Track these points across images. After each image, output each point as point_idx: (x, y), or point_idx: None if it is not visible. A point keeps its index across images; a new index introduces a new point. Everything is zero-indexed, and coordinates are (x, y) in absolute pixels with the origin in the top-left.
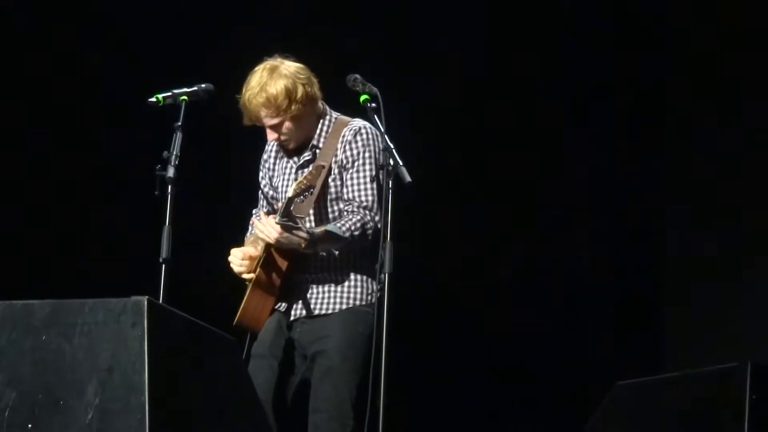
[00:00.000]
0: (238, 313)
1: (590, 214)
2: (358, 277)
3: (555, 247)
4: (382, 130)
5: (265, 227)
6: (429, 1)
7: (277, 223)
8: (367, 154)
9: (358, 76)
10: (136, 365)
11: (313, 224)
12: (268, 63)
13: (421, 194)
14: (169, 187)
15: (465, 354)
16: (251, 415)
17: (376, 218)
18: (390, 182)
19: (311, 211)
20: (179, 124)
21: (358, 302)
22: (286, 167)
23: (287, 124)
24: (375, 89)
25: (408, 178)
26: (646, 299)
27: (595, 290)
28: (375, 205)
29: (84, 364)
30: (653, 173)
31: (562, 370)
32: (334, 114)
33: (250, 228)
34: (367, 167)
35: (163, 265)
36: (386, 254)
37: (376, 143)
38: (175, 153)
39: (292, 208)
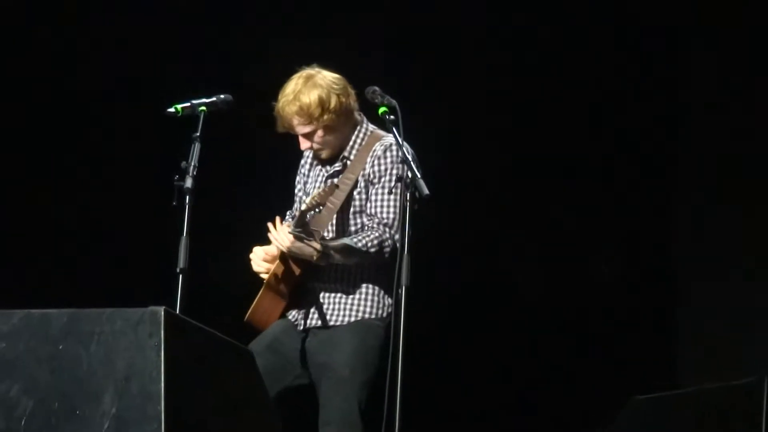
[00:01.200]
0: (250, 310)
1: (605, 222)
2: (372, 290)
3: (569, 255)
4: (400, 142)
5: (278, 235)
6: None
7: (289, 233)
8: (394, 171)
9: (376, 88)
10: (153, 375)
11: (333, 235)
12: (305, 72)
13: (438, 205)
14: (187, 197)
15: (480, 364)
16: (267, 426)
17: (396, 236)
18: (408, 194)
19: (333, 221)
20: (198, 134)
21: (369, 315)
22: (318, 175)
23: (319, 134)
24: (394, 101)
25: (426, 191)
26: (659, 305)
27: (610, 297)
28: (396, 223)
29: (101, 373)
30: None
31: (578, 379)
32: (370, 127)
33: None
34: (392, 184)
35: (180, 276)
36: (403, 267)
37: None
38: (193, 163)
39: (308, 219)
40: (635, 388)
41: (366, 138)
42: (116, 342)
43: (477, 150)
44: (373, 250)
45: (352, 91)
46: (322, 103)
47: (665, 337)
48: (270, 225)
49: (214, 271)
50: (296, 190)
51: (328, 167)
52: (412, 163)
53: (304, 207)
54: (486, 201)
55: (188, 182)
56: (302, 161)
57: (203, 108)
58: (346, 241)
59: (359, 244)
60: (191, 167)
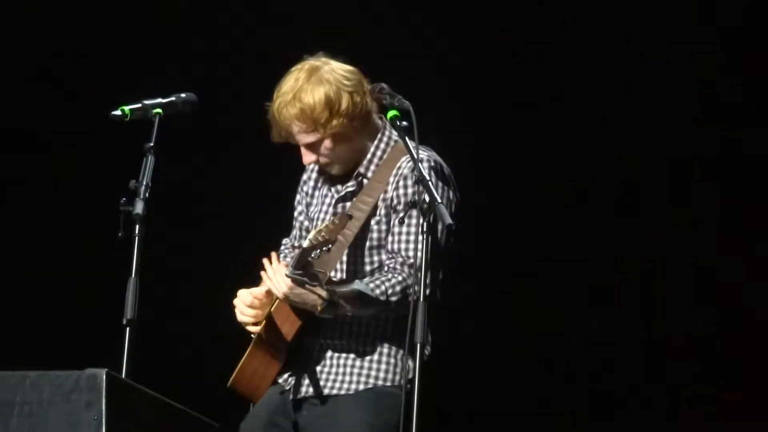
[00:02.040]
0: (234, 375)
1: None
2: (388, 349)
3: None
4: (415, 155)
5: (274, 277)
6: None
7: (287, 276)
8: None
9: (384, 85)
10: None
11: (343, 276)
12: (308, 63)
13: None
14: (137, 226)
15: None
16: None
17: (426, 280)
18: (425, 224)
19: (344, 258)
20: (151, 144)
21: (383, 382)
22: (325, 196)
23: (327, 144)
24: (407, 103)
25: (448, 220)
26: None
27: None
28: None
29: None
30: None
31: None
32: (395, 135)
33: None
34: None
35: (128, 328)
36: (418, 320)
37: (450, 181)
38: (145, 183)
39: (311, 258)
40: None
41: (389, 149)
42: (44, 415)
43: (515, 167)
44: (394, 298)
45: (368, 88)
46: (330, 105)
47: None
48: (265, 261)
49: (175, 322)
50: (296, 213)
51: (338, 186)
52: (430, 182)
53: (307, 243)
54: (525, 228)
55: (138, 207)
56: (304, 177)
57: (158, 110)
58: (359, 287)
59: (377, 291)
60: (143, 187)
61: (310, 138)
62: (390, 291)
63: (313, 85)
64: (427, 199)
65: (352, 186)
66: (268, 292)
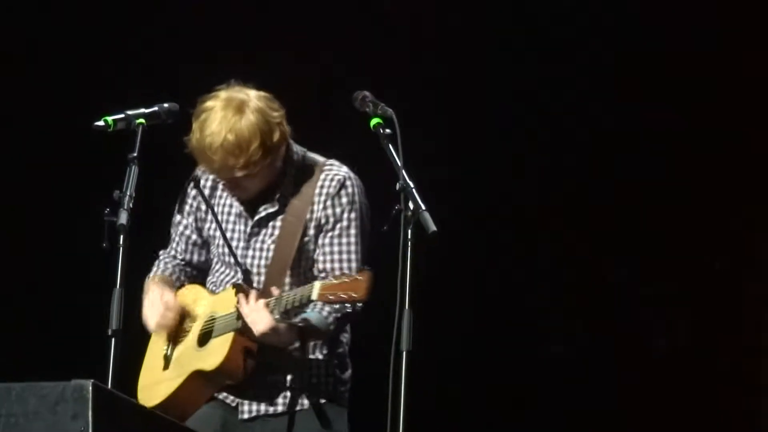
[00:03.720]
0: (162, 401)
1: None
2: (337, 356)
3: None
4: (399, 163)
5: (252, 314)
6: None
7: (270, 312)
8: (353, 215)
9: (367, 93)
10: None
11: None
12: (230, 96)
13: (448, 245)
14: (121, 236)
15: None
16: None
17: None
18: (409, 232)
19: (286, 281)
20: (134, 155)
21: (327, 398)
22: (229, 214)
23: (254, 179)
24: (390, 111)
25: (433, 227)
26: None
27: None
28: None
29: None
30: None
31: None
32: (297, 148)
33: (153, 270)
34: (353, 230)
35: (113, 339)
36: (404, 327)
37: (362, 197)
38: (129, 193)
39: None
40: None
41: (302, 164)
42: (29, 427)
43: (497, 173)
44: (333, 327)
45: (283, 110)
46: (264, 142)
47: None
48: (241, 297)
49: None
50: (180, 226)
51: (249, 207)
52: (414, 190)
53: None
54: (505, 238)
55: (122, 217)
56: (191, 191)
57: (141, 120)
58: (310, 317)
59: (328, 320)
60: (126, 198)
61: (240, 173)
62: (333, 318)
63: (245, 124)
64: (411, 206)
65: (273, 208)
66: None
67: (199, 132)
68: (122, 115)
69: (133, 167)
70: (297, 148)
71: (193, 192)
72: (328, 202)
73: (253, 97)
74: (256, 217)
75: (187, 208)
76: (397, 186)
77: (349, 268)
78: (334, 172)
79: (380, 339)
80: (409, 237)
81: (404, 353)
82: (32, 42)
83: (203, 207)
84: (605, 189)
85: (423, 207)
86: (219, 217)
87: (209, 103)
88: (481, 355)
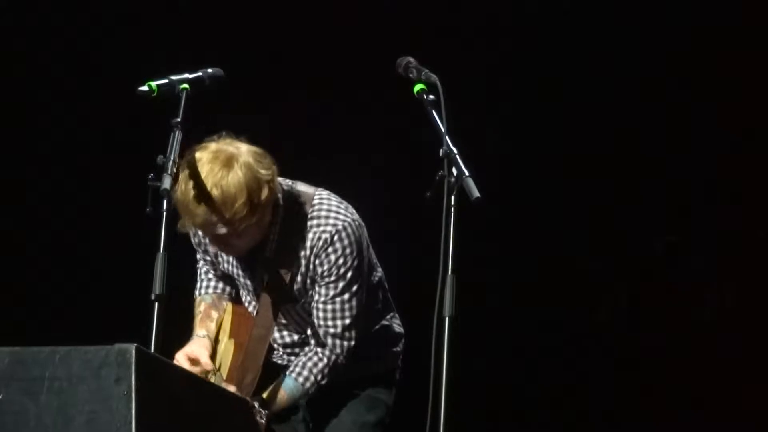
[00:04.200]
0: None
1: None
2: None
3: None
4: (443, 129)
5: None
6: None
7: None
8: (348, 273)
9: (411, 59)
10: None
11: (294, 335)
12: (220, 149)
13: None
14: (165, 201)
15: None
16: None
17: (351, 343)
18: (452, 198)
19: (300, 320)
20: (178, 120)
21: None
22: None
23: (240, 238)
24: (434, 77)
25: (476, 193)
26: None
27: None
28: (350, 331)
29: None
30: None
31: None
32: (284, 183)
33: (198, 283)
34: (341, 286)
35: (156, 303)
36: (447, 292)
37: (359, 245)
38: (172, 158)
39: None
40: None
41: (291, 205)
42: (73, 390)
43: (531, 146)
44: (324, 381)
45: (275, 166)
46: (251, 199)
47: None
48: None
49: None
50: (199, 249)
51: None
52: (457, 156)
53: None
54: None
55: (166, 182)
56: (195, 239)
57: (185, 86)
58: (293, 392)
59: (307, 385)
60: (170, 163)
61: (224, 230)
62: (319, 377)
63: (231, 180)
64: (455, 172)
65: (267, 253)
66: (204, 348)
67: (184, 184)
68: (166, 80)
69: (177, 132)
70: (284, 186)
71: (195, 240)
72: (316, 261)
73: (243, 151)
74: (252, 262)
75: (193, 239)
76: (441, 152)
77: (339, 324)
78: (320, 222)
79: (424, 305)
80: (452, 203)
81: (446, 319)
82: (75, 6)
83: (203, 240)
84: (653, 158)
85: (467, 173)
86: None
87: (197, 155)
88: (527, 320)
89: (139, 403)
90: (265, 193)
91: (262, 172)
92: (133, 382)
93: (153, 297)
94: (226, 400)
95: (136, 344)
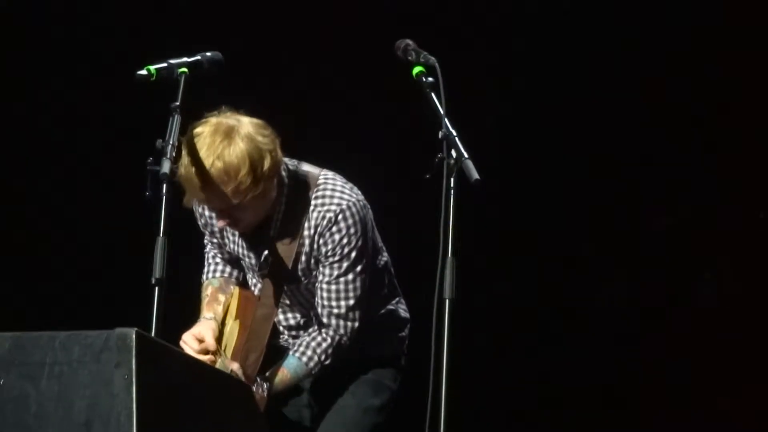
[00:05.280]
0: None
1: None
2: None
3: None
4: (442, 112)
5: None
6: None
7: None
8: (352, 253)
9: (410, 42)
10: (122, 418)
11: (298, 316)
12: (221, 122)
13: (490, 194)
14: (164, 185)
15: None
16: None
17: (355, 324)
18: (452, 180)
19: (301, 301)
20: (177, 104)
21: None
22: (235, 234)
23: (245, 208)
24: (432, 59)
25: (476, 175)
26: None
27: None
28: (354, 311)
29: (54, 417)
30: None
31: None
32: (289, 163)
33: (206, 267)
34: (346, 266)
35: (157, 288)
36: (447, 275)
37: (363, 225)
38: (171, 142)
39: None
40: None
41: (295, 184)
42: (74, 375)
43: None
44: (327, 361)
45: (278, 138)
46: (254, 168)
47: None
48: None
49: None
50: (206, 232)
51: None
52: (456, 138)
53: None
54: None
55: (165, 166)
56: (198, 209)
57: (184, 69)
58: (296, 371)
59: (311, 364)
60: (169, 147)
61: (228, 202)
62: (323, 357)
63: (233, 151)
64: (454, 154)
65: (270, 232)
66: (210, 329)
67: (187, 159)
68: (165, 64)
69: (176, 116)
70: (286, 163)
71: (198, 209)
72: (320, 240)
73: (244, 123)
74: (254, 239)
75: (199, 220)
76: (440, 134)
77: (343, 305)
78: (325, 201)
79: (424, 288)
80: (452, 185)
81: (447, 301)
82: None
83: (209, 221)
84: (654, 147)
85: (466, 155)
86: (228, 237)
87: (198, 129)
88: (529, 299)
89: (140, 388)
90: (267, 162)
91: (264, 141)
92: (134, 367)
93: (153, 281)
94: (227, 384)
95: (136, 329)
